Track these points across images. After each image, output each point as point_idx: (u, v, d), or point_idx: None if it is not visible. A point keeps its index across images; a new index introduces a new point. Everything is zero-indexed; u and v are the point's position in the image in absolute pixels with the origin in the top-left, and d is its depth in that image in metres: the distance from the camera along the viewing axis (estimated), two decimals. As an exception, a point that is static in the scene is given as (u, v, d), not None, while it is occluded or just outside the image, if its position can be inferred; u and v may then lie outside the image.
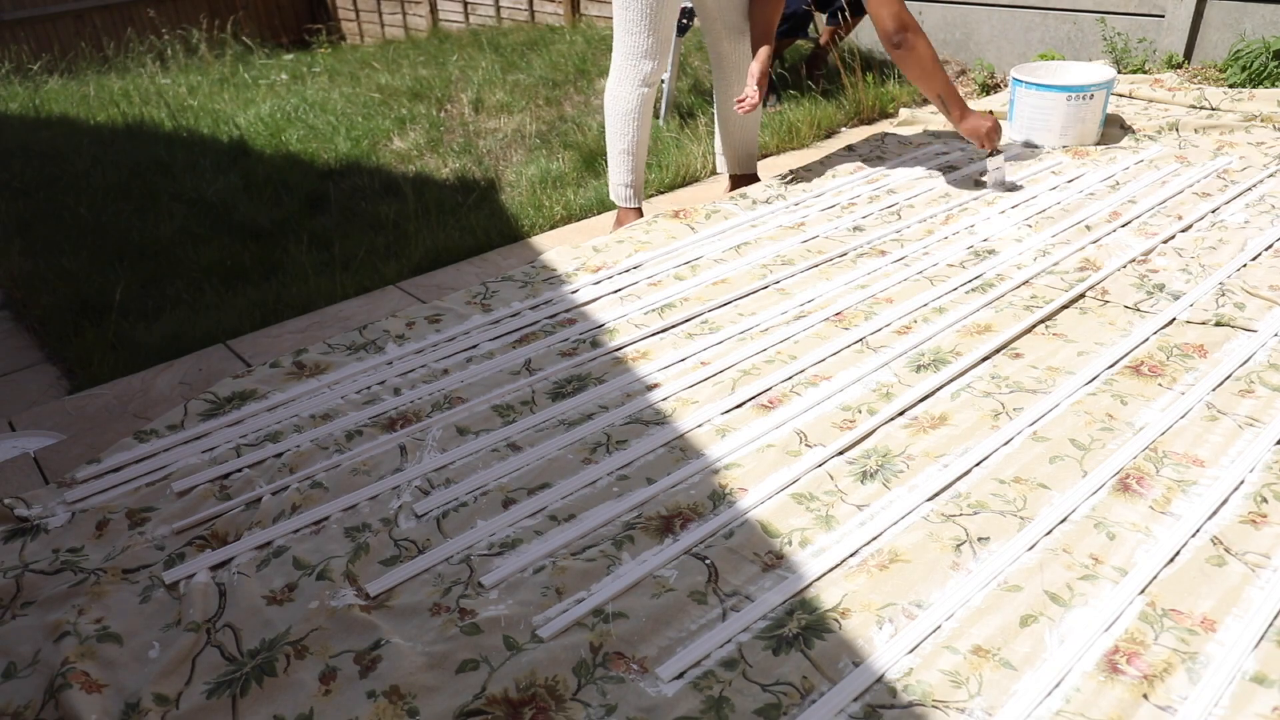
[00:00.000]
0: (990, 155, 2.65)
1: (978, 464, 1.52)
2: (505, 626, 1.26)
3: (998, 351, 1.85)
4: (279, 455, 1.67)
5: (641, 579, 1.33)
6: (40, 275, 2.73)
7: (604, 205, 2.94)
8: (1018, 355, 1.83)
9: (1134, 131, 3.08)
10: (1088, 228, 2.40)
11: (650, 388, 1.81)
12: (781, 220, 2.58)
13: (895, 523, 1.40)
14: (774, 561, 1.35)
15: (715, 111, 2.88)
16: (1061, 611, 1.22)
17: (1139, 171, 2.76)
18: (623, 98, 2.54)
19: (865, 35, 4.57)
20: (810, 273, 2.26)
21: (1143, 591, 1.24)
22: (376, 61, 5.53)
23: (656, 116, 4.06)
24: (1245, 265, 2.12)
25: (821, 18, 4.08)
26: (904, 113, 3.51)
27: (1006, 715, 1.08)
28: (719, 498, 1.49)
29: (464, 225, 2.85)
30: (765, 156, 3.30)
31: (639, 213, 2.71)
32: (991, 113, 2.69)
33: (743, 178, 2.95)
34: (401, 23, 7.38)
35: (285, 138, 4.00)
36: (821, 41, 4.10)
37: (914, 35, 2.49)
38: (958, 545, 1.35)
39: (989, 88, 3.94)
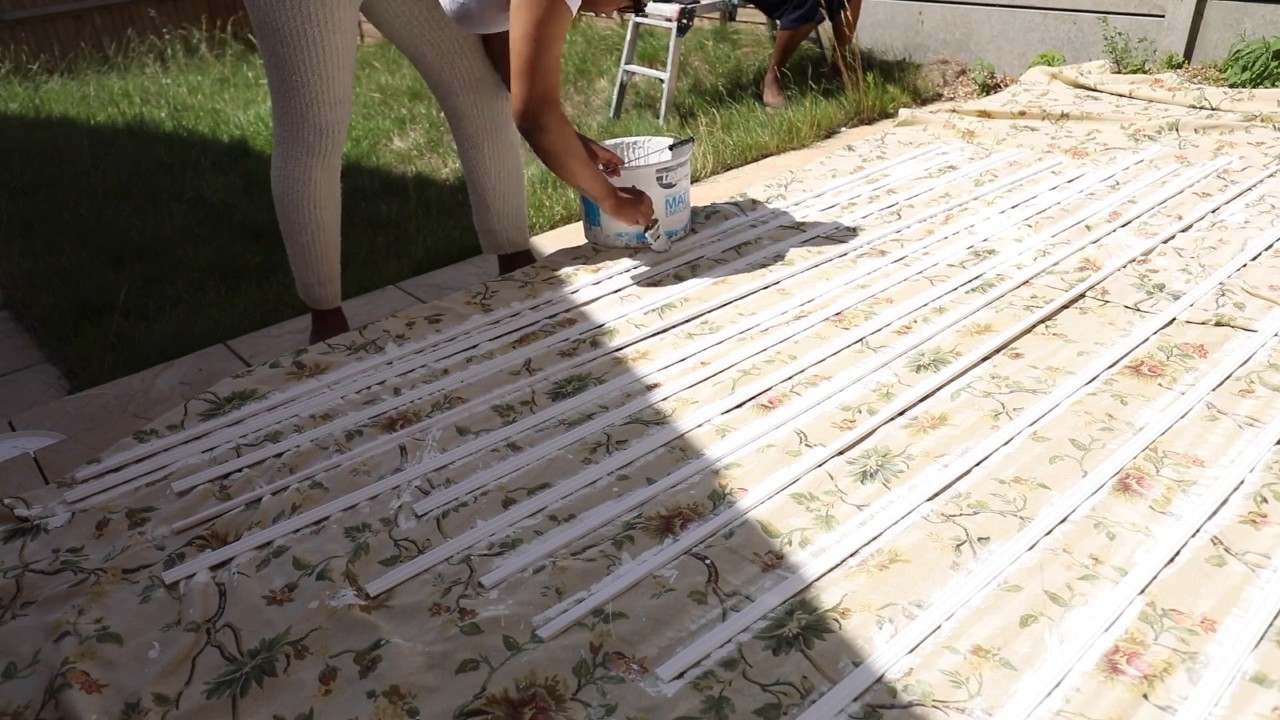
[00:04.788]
0: (648, 229, 2.31)
1: (978, 464, 1.52)
2: (505, 626, 1.26)
3: (998, 351, 1.85)
4: (279, 455, 1.67)
5: (641, 579, 1.33)
6: (40, 275, 2.73)
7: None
8: (1018, 355, 1.83)
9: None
10: (1088, 228, 2.40)
11: (650, 388, 1.81)
12: (781, 220, 2.58)
13: (895, 523, 1.40)
14: (774, 561, 1.34)
15: (467, 183, 2.31)
16: (1061, 611, 1.22)
17: (1139, 171, 2.76)
18: (291, 179, 1.96)
19: (865, 35, 4.58)
20: (810, 273, 2.26)
21: (1143, 591, 1.24)
22: (377, 61, 5.53)
23: (617, 115, 3.98)
24: (1245, 265, 2.12)
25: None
26: (904, 113, 3.51)
27: (1006, 715, 1.08)
28: (719, 498, 1.49)
29: (464, 225, 2.85)
30: (765, 156, 3.30)
31: (339, 315, 2.18)
32: (635, 189, 2.25)
33: (513, 258, 2.40)
34: (401, 23, 7.37)
35: (285, 138, 4.00)
36: (831, 59, 4.02)
37: (548, 123, 1.91)
38: (958, 545, 1.35)
39: (989, 88, 3.94)
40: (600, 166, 2.26)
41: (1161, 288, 2.05)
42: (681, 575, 1.33)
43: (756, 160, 3.27)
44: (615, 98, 4.03)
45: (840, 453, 1.58)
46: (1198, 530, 1.34)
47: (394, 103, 4.54)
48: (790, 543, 1.38)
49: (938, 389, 1.74)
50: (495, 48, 2.12)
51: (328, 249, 2.07)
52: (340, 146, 1.98)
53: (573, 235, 2.67)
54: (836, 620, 1.24)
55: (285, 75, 1.85)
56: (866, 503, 1.45)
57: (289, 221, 2.01)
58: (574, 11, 1.86)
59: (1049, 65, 3.85)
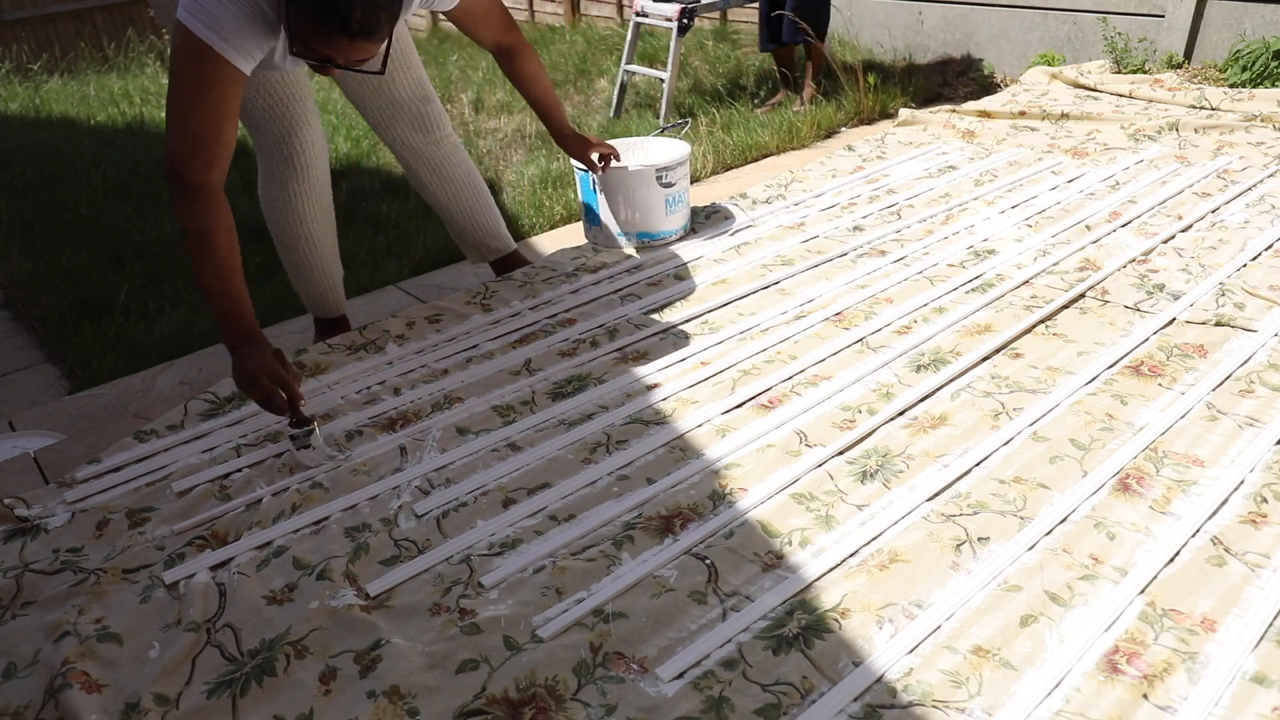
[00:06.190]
0: (298, 426, 1.61)
1: (978, 464, 1.52)
2: (505, 626, 1.26)
3: (998, 351, 1.85)
4: (279, 455, 1.67)
5: (641, 579, 1.33)
6: (40, 275, 2.73)
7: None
8: (1018, 355, 1.83)
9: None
10: (1088, 228, 2.40)
11: (650, 388, 1.81)
12: (781, 220, 2.58)
13: (895, 523, 1.40)
14: (774, 561, 1.34)
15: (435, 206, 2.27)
16: (1061, 611, 1.22)
17: (1139, 171, 2.76)
18: (275, 199, 1.96)
19: (865, 35, 4.58)
20: (810, 273, 2.25)
21: (1143, 591, 1.24)
22: (376, 61, 5.52)
23: (617, 115, 3.95)
24: (1245, 265, 2.12)
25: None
26: (904, 113, 3.51)
27: (1006, 715, 1.08)
28: (719, 498, 1.49)
29: (464, 225, 2.85)
30: (765, 156, 3.30)
31: (344, 322, 2.18)
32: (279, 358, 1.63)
33: (503, 262, 2.38)
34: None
35: (285, 138, 3.99)
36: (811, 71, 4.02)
37: (180, 191, 1.51)
38: (958, 545, 1.35)
39: (989, 88, 3.94)
40: (596, 157, 2.25)
41: (1161, 288, 2.05)
42: (681, 575, 1.33)
43: (756, 160, 3.27)
44: (615, 98, 4.03)
45: (840, 453, 1.58)
46: (1198, 530, 1.34)
47: (394, 103, 4.53)
48: (790, 543, 1.38)
49: (938, 389, 1.74)
50: (513, 71, 2.05)
51: (325, 261, 2.07)
52: (323, 159, 1.97)
53: (573, 235, 2.67)
54: (836, 620, 1.24)
55: (244, 118, 1.84)
56: (866, 503, 1.45)
57: (280, 240, 2.03)
58: (243, 73, 1.51)
59: (1049, 65, 3.85)
